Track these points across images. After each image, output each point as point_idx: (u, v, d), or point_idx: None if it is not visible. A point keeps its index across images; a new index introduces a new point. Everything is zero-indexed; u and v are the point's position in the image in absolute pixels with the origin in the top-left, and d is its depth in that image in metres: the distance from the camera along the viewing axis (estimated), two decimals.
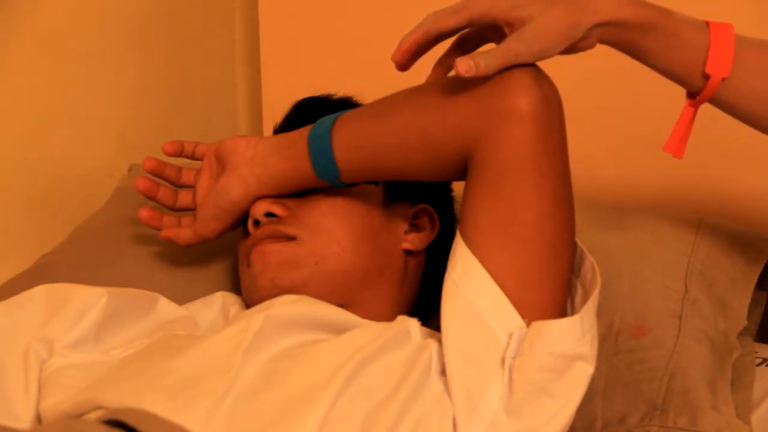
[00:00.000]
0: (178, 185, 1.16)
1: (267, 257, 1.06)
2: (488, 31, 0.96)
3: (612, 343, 1.08)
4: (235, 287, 1.16)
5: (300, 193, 1.08)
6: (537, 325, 0.91)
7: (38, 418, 0.94)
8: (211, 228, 1.11)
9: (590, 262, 0.97)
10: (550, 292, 0.95)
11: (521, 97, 0.94)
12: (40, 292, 1.02)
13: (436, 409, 0.90)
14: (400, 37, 0.98)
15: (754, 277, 1.17)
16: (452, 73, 0.96)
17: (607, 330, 1.09)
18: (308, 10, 1.60)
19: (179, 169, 1.15)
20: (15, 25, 1.30)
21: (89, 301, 1.00)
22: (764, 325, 1.23)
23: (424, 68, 1.02)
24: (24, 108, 1.33)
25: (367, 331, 0.97)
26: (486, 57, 0.92)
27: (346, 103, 1.15)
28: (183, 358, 0.92)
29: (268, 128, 1.40)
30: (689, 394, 1.03)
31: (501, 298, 0.93)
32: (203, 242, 1.13)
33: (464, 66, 0.91)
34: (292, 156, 1.05)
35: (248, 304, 1.10)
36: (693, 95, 0.98)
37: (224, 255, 1.22)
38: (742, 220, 1.28)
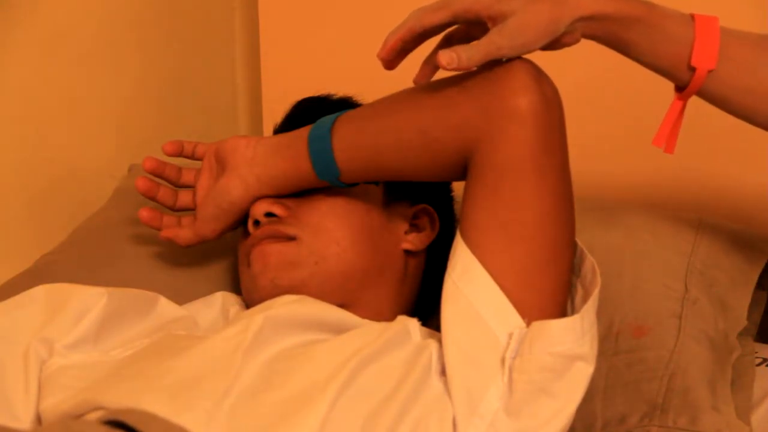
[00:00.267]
0: (178, 185, 1.16)
1: (267, 257, 1.06)
2: (474, 28, 0.96)
3: (612, 343, 1.08)
4: (235, 287, 1.16)
5: (300, 193, 1.08)
6: (537, 325, 0.91)
7: (38, 419, 0.94)
8: (211, 228, 1.11)
9: (590, 262, 0.97)
10: (550, 292, 0.95)
11: (521, 97, 0.94)
12: (40, 292, 1.02)
13: (436, 409, 0.90)
14: None
15: (754, 277, 1.17)
16: (448, 73, 0.96)
17: (607, 330, 1.09)
18: (308, 10, 1.60)
19: (179, 169, 1.15)
20: (15, 25, 1.30)
21: (89, 301, 1.00)
22: (764, 325, 1.23)
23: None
24: (24, 108, 1.33)
25: (367, 332, 0.97)
26: (468, 50, 0.92)
27: (346, 103, 1.15)
28: (183, 358, 0.92)
29: (268, 128, 1.40)
30: (689, 394, 1.03)
31: (501, 298, 0.93)
32: (203, 242, 1.13)
33: (446, 58, 0.91)
34: (292, 156, 1.05)
35: (248, 304, 1.10)
36: (681, 89, 0.98)
37: (224, 255, 1.22)
38: (742, 220, 1.28)
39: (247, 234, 1.09)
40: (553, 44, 0.95)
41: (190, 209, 1.14)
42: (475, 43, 0.93)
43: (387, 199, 1.11)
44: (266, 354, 0.92)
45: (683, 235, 1.18)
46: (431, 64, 1.00)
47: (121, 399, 0.87)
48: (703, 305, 1.11)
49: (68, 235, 1.29)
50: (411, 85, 1.01)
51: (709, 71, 0.95)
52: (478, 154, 0.96)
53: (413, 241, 1.12)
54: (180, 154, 1.16)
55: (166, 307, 1.07)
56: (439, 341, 0.94)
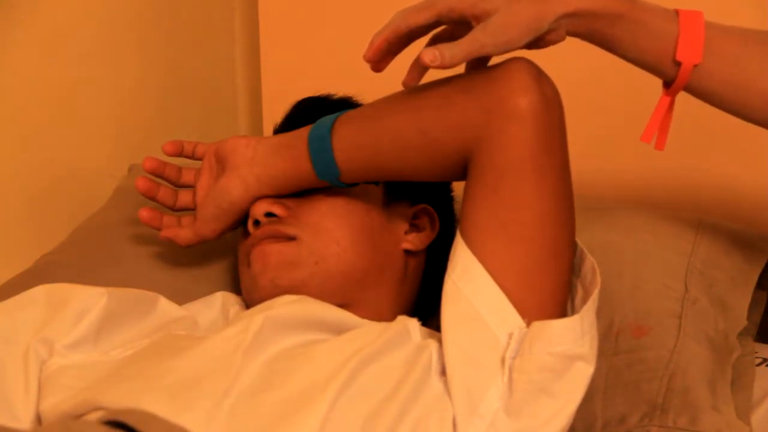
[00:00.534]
0: (178, 185, 1.16)
1: (267, 257, 1.06)
2: (460, 28, 0.96)
3: (612, 343, 1.08)
4: (235, 287, 1.16)
5: (300, 193, 1.08)
6: (537, 325, 0.91)
7: (38, 419, 0.94)
8: (211, 228, 1.11)
9: (590, 262, 0.97)
10: (550, 292, 0.95)
11: (521, 98, 0.94)
12: (40, 292, 1.02)
13: (436, 409, 0.90)
14: None
15: (754, 277, 1.17)
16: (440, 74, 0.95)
17: (607, 330, 1.09)
18: (308, 10, 1.60)
19: (179, 169, 1.15)
20: (15, 25, 1.30)
21: (89, 301, 1.00)
22: (764, 325, 1.23)
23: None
24: (24, 108, 1.33)
25: (367, 332, 0.97)
26: (451, 47, 0.92)
27: (346, 103, 1.15)
28: (183, 358, 0.92)
29: (268, 128, 1.40)
30: (689, 394, 1.03)
31: (501, 298, 0.93)
32: (203, 242, 1.13)
33: (429, 56, 0.92)
34: (292, 156, 1.05)
35: (248, 304, 1.10)
36: (668, 85, 0.98)
37: (224, 255, 1.22)
38: (742, 220, 1.28)
39: (247, 234, 1.09)
40: (538, 42, 0.95)
41: (190, 209, 1.14)
42: (459, 41, 0.93)
43: (387, 199, 1.11)
44: (266, 354, 0.92)
45: (683, 235, 1.18)
46: (419, 65, 1.00)
47: (121, 399, 0.87)
48: (703, 305, 1.11)
49: (68, 235, 1.29)
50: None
51: (695, 66, 0.95)
52: (478, 154, 0.96)
53: (413, 241, 1.12)
54: (180, 154, 1.16)
55: (166, 307, 1.07)
56: (439, 341, 0.94)
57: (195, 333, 1.04)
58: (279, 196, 1.08)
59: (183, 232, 1.13)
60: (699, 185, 1.37)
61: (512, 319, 0.92)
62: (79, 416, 0.89)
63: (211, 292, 1.14)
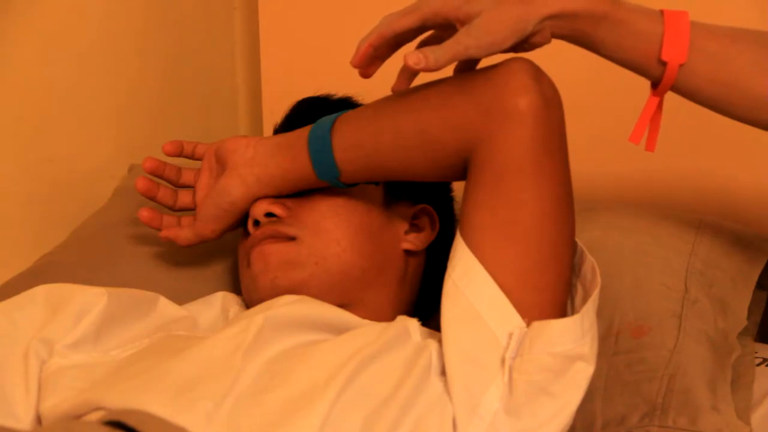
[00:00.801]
0: (178, 185, 1.16)
1: (267, 258, 1.06)
2: (447, 33, 0.96)
3: (612, 343, 1.08)
4: (235, 287, 1.16)
5: (300, 193, 1.08)
6: (537, 325, 0.91)
7: (38, 419, 0.93)
8: (211, 228, 1.11)
9: (590, 262, 0.97)
10: (550, 292, 0.95)
11: (521, 98, 0.94)
12: (40, 292, 1.02)
13: (436, 409, 0.90)
14: None
15: (754, 277, 1.17)
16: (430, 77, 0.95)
17: (607, 330, 1.09)
18: (308, 10, 1.60)
19: (179, 169, 1.15)
20: (14, 25, 1.30)
21: (89, 301, 1.00)
22: (764, 325, 1.23)
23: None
24: (24, 108, 1.33)
25: (367, 332, 0.97)
26: (435, 50, 0.92)
27: (346, 103, 1.15)
28: (183, 358, 0.92)
29: (268, 128, 1.40)
30: (689, 394, 1.03)
31: (501, 298, 0.93)
32: (203, 242, 1.13)
33: (413, 59, 0.92)
34: (292, 156, 1.05)
35: (248, 305, 1.10)
36: (656, 85, 0.98)
37: (224, 255, 1.22)
38: (742, 220, 1.28)
39: (247, 234, 1.09)
40: (523, 45, 0.95)
41: (190, 209, 1.14)
42: (443, 43, 0.93)
43: (387, 199, 1.11)
44: (266, 354, 0.92)
45: (683, 235, 1.18)
46: (408, 72, 1.00)
47: (122, 399, 0.87)
48: (703, 305, 1.11)
49: (68, 235, 1.29)
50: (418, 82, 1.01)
51: (681, 65, 0.95)
52: (478, 154, 0.96)
53: (413, 241, 1.12)
54: (180, 154, 1.16)
55: (166, 308, 1.07)
56: (439, 341, 0.94)
57: (195, 333, 1.05)
58: (279, 197, 1.08)
59: (183, 232, 1.13)
60: (699, 186, 1.37)
61: (512, 319, 0.92)
62: (79, 416, 0.89)
63: (211, 292, 1.14)
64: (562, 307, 0.97)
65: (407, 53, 0.92)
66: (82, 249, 1.25)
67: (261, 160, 1.07)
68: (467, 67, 1.01)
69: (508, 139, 0.94)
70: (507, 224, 0.95)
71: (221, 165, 1.10)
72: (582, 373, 0.91)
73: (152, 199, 1.15)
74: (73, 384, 0.93)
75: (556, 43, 0.97)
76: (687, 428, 1.01)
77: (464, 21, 0.93)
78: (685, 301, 1.11)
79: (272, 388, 0.88)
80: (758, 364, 1.14)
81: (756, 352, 1.16)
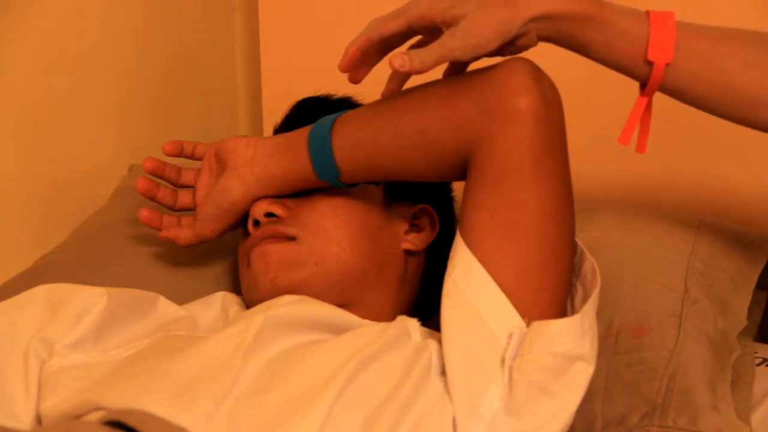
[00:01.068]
0: (178, 185, 1.16)
1: (267, 257, 1.06)
2: (434, 37, 0.96)
3: (612, 343, 1.08)
4: (235, 287, 1.16)
5: (300, 193, 1.08)
6: (537, 325, 0.91)
7: (38, 419, 0.93)
8: (211, 228, 1.11)
9: (590, 262, 0.97)
10: (550, 292, 0.95)
11: (521, 97, 0.94)
12: (40, 292, 1.02)
13: (436, 409, 0.90)
14: None
15: (754, 277, 1.17)
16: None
17: (607, 330, 1.09)
18: (308, 10, 1.60)
19: (179, 169, 1.15)
20: (14, 25, 1.30)
21: (89, 301, 1.00)
22: (764, 325, 1.23)
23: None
24: (24, 108, 1.33)
25: (367, 332, 0.97)
26: (421, 52, 0.93)
27: (346, 103, 1.15)
28: (183, 358, 0.92)
29: (268, 128, 1.40)
30: (689, 394, 1.03)
31: (501, 298, 0.93)
32: (203, 242, 1.13)
33: (398, 61, 0.92)
34: (292, 156, 1.05)
35: (248, 305, 1.10)
36: (644, 86, 0.98)
37: (224, 255, 1.22)
38: (742, 220, 1.28)
39: (247, 234, 1.09)
40: (509, 47, 0.96)
41: (190, 209, 1.14)
42: (428, 46, 0.94)
43: (387, 199, 1.11)
44: (267, 354, 0.92)
45: (683, 235, 1.18)
46: (397, 78, 1.01)
47: (122, 399, 0.87)
48: (703, 305, 1.11)
49: (68, 235, 1.29)
50: (411, 85, 1.01)
51: (668, 65, 0.95)
52: (478, 154, 0.96)
53: (413, 241, 1.12)
54: (180, 154, 1.16)
55: (166, 308, 1.07)
56: (439, 341, 0.94)
57: (195, 333, 1.05)
58: (279, 196, 1.08)
59: (183, 232, 1.13)
60: (699, 186, 1.37)
61: (512, 319, 0.92)
62: (79, 416, 0.89)
63: (211, 292, 1.14)
64: (562, 307, 0.97)
65: (392, 56, 0.93)
66: (82, 249, 1.25)
67: (261, 160, 1.07)
68: (456, 70, 1.01)
69: (508, 139, 0.94)
70: (507, 224, 0.95)
71: (221, 165, 1.10)
72: (582, 373, 0.91)
73: (152, 199, 1.15)
74: (73, 384, 0.93)
75: (529, 48, 0.97)
76: (687, 428, 1.01)
77: (450, 24, 0.93)
78: (685, 301, 1.11)
79: (272, 388, 0.88)
80: (758, 364, 1.14)
81: (756, 352, 1.16)
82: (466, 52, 0.93)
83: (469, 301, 0.93)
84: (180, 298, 1.10)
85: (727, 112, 0.98)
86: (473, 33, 0.92)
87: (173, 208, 1.16)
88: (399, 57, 0.92)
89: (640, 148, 1.00)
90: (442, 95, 0.98)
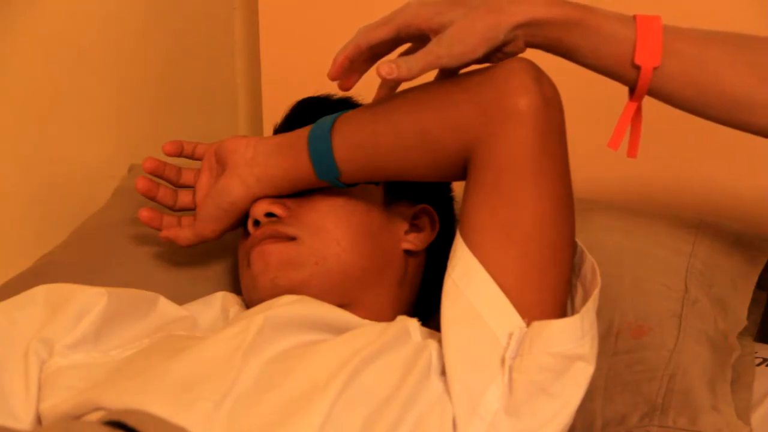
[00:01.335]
0: (178, 185, 1.16)
1: (267, 257, 1.06)
2: (423, 45, 0.96)
3: (612, 343, 1.08)
4: (235, 287, 1.16)
5: (300, 193, 1.08)
6: (537, 325, 0.91)
7: (38, 419, 0.93)
8: (211, 228, 1.11)
9: (590, 263, 0.97)
10: (550, 292, 0.95)
11: (521, 97, 0.94)
12: (40, 292, 1.02)
13: (436, 409, 0.90)
14: None
15: (754, 277, 1.17)
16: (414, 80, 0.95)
17: (607, 330, 1.09)
18: (308, 10, 1.60)
19: (179, 169, 1.15)
20: (14, 24, 1.30)
21: (89, 301, 1.00)
22: (764, 325, 1.23)
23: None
24: (24, 108, 1.33)
25: (367, 332, 0.97)
26: (408, 60, 0.93)
27: (346, 103, 1.15)
28: (183, 358, 0.92)
29: (268, 128, 1.40)
30: (689, 394, 1.03)
31: (501, 298, 0.93)
32: (203, 242, 1.13)
33: (385, 69, 0.92)
34: (292, 156, 1.05)
35: (248, 305, 1.10)
36: (633, 91, 0.98)
37: (224, 255, 1.22)
38: (742, 220, 1.28)
39: (247, 234, 1.09)
40: (497, 54, 0.96)
41: (190, 209, 1.14)
42: (415, 53, 0.94)
43: (387, 199, 1.11)
44: (267, 354, 0.92)
45: (683, 235, 1.18)
46: (386, 83, 1.01)
47: (122, 399, 0.87)
48: (703, 305, 1.11)
49: (68, 235, 1.29)
50: (412, 85, 1.01)
51: (655, 68, 0.95)
52: (478, 154, 0.96)
53: (413, 241, 1.12)
54: (180, 154, 1.16)
55: (166, 307, 1.07)
56: (439, 341, 0.94)
57: (195, 333, 1.05)
58: (279, 196, 1.08)
59: (183, 232, 1.13)
60: (699, 186, 1.37)
61: (512, 319, 0.92)
62: (79, 416, 0.89)
63: (211, 292, 1.14)
64: (562, 307, 0.97)
65: (380, 64, 0.93)
66: (82, 249, 1.25)
67: (261, 160, 1.07)
68: (445, 77, 1.01)
69: (508, 139, 0.94)
70: (507, 224, 0.95)
71: (221, 165, 1.10)
72: (582, 373, 0.91)
73: (152, 199, 1.15)
74: (73, 384, 0.93)
75: (517, 55, 0.97)
76: (687, 428, 1.01)
77: (437, 31, 0.94)
78: (685, 301, 1.11)
79: (272, 388, 0.88)
80: (758, 364, 1.14)
81: (756, 352, 1.16)
82: (453, 59, 0.94)
83: (469, 301, 0.93)
84: (180, 298, 1.10)
85: (716, 115, 0.98)
86: (460, 40, 0.93)
87: (173, 208, 1.16)
88: (386, 65, 0.92)
89: (631, 153, 1.00)
90: (442, 95, 0.98)
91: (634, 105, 0.98)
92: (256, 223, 1.08)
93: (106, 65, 1.44)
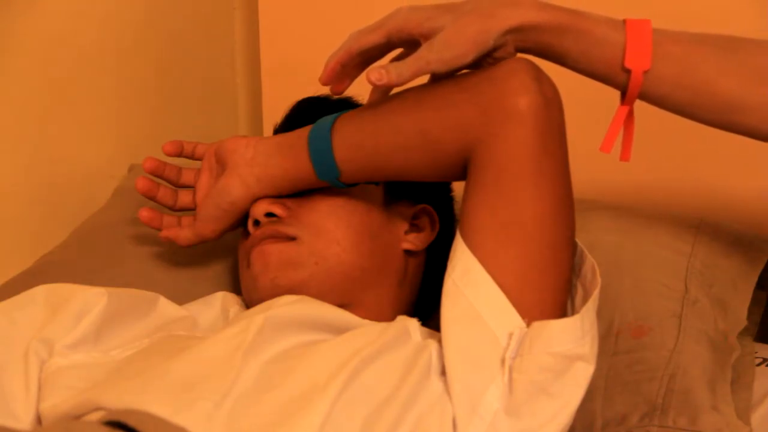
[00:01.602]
0: (178, 185, 1.16)
1: (267, 257, 1.06)
2: (414, 50, 0.96)
3: (612, 343, 1.08)
4: (235, 287, 1.16)
5: (300, 193, 1.08)
6: (537, 325, 0.91)
7: (38, 419, 0.93)
8: (211, 228, 1.11)
9: (590, 262, 0.97)
10: (550, 292, 0.95)
11: (521, 97, 0.94)
12: (40, 292, 1.02)
13: (436, 409, 0.90)
14: None
15: (754, 277, 1.17)
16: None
17: (607, 330, 1.09)
18: (308, 11, 1.60)
19: (179, 169, 1.15)
20: (14, 24, 1.30)
21: (89, 301, 1.00)
22: (764, 325, 1.23)
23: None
24: (24, 108, 1.33)
25: (367, 332, 0.97)
26: (398, 66, 0.94)
27: (346, 103, 1.15)
28: (183, 359, 0.92)
29: (268, 128, 1.40)
30: (689, 394, 1.03)
31: (501, 298, 0.93)
32: (203, 242, 1.13)
33: (375, 75, 0.93)
34: (292, 156, 1.05)
35: (248, 305, 1.10)
36: (624, 94, 0.98)
37: (224, 255, 1.22)
38: (742, 220, 1.28)
39: (247, 234, 1.09)
40: (487, 59, 0.96)
41: (190, 209, 1.15)
42: (405, 59, 0.94)
43: (387, 199, 1.11)
44: (267, 354, 0.92)
45: (683, 235, 1.18)
46: (378, 89, 1.01)
47: (122, 399, 0.87)
48: (703, 305, 1.11)
49: (68, 235, 1.29)
50: (411, 85, 1.01)
51: (645, 72, 0.95)
52: (478, 153, 0.96)
53: (413, 241, 1.12)
54: (180, 154, 1.16)
55: (166, 308, 1.07)
56: (439, 341, 0.94)
57: (195, 333, 1.05)
58: (279, 197, 1.08)
59: (183, 232, 1.13)
60: (699, 186, 1.37)
61: (512, 319, 0.92)
62: (79, 416, 0.89)
63: (211, 292, 1.14)
64: (563, 307, 0.97)
65: (369, 70, 0.94)
66: (82, 249, 1.25)
67: (261, 160, 1.07)
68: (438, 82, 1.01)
69: (508, 138, 0.94)
70: (507, 224, 0.95)
71: (221, 165, 1.10)
72: (582, 373, 0.91)
73: (152, 199, 1.15)
74: (73, 384, 0.93)
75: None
76: (687, 428, 1.01)
77: (427, 36, 0.94)
78: (685, 301, 1.11)
79: (272, 387, 0.88)
80: (758, 364, 1.14)
81: (756, 352, 1.16)
82: (444, 65, 0.94)
83: (469, 301, 0.93)
84: (180, 298, 1.10)
85: (708, 118, 0.99)
86: (450, 45, 0.93)
87: (173, 208, 1.16)
88: (376, 71, 0.93)
89: (624, 156, 1.00)
90: (443, 95, 0.98)
91: (625, 109, 0.98)
92: (256, 223, 1.08)
93: (106, 65, 1.45)
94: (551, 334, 0.91)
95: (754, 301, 1.17)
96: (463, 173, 0.99)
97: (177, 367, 0.91)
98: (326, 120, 1.04)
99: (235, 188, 1.08)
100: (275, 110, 1.21)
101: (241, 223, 1.11)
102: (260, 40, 1.62)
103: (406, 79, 0.94)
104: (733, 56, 0.96)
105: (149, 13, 1.54)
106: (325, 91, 1.18)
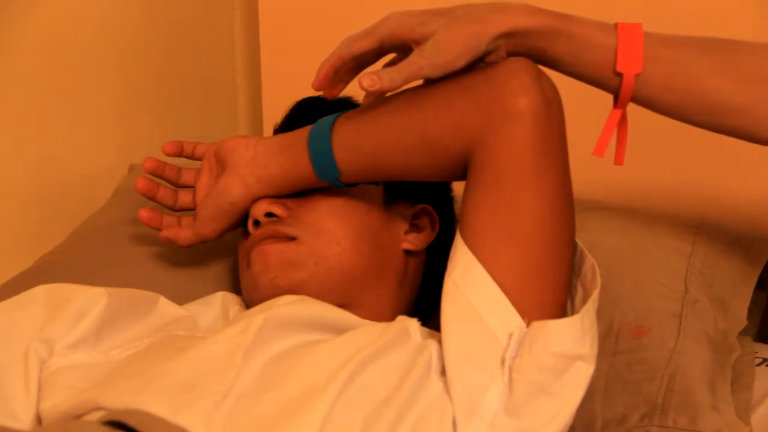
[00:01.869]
0: (178, 185, 1.16)
1: (267, 257, 1.06)
2: (407, 55, 0.96)
3: (612, 343, 1.08)
4: (235, 287, 1.16)
5: (300, 193, 1.08)
6: (537, 325, 0.91)
7: (38, 419, 0.93)
8: (211, 228, 1.11)
9: (590, 262, 0.97)
10: (550, 292, 0.95)
11: (521, 97, 0.94)
12: (40, 292, 1.02)
13: (436, 409, 0.90)
14: None
15: (754, 277, 1.17)
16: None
17: (607, 330, 1.09)
18: (308, 10, 1.60)
19: (179, 170, 1.15)
20: (14, 24, 1.30)
21: (89, 301, 1.00)
22: (764, 325, 1.23)
23: None
24: (24, 108, 1.33)
25: (367, 332, 0.97)
26: (390, 71, 0.94)
27: (346, 103, 1.15)
28: (183, 358, 0.92)
29: (268, 128, 1.40)
30: (689, 394, 1.03)
31: (501, 298, 0.93)
32: (203, 242, 1.13)
33: (367, 81, 0.93)
34: (292, 156, 1.05)
35: (248, 305, 1.10)
36: (617, 98, 0.99)
37: (224, 255, 1.22)
38: (742, 220, 1.28)
39: (247, 234, 1.09)
40: (479, 64, 0.96)
41: (190, 209, 1.14)
42: (397, 64, 0.94)
43: (387, 199, 1.11)
44: (267, 354, 0.92)
45: (683, 235, 1.18)
46: (371, 95, 1.01)
47: (122, 399, 0.87)
48: (703, 305, 1.11)
49: (68, 235, 1.29)
50: (411, 85, 1.01)
51: (637, 75, 0.95)
52: (478, 154, 0.96)
53: (413, 241, 1.12)
54: (180, 154, 1.16)
55: (166, 308, 1.07)
56: (439, 341, 0.94)
57: (195, 333, 1.05)
58: (279, 196, 1.08)
59: (183, 232, 1.13)
60: (699, 186, 1.37)
61: (512, 319, 0.92)
62: (79, 416, 0.89)
63: (211, 292, 1.14)
64: (562, 307, 0.97)
65: (361, 76, 0.94)
66: (82, 249, 1.25)
67: (261, 160, 1.07)
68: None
69: (508, 138, 0.94)
70: (507, 224, 0.95)
71: (221, 165, 1.10)
72: (582, 373, 0.91)
73: (152, 199, 1.15)
74: (73, 384, 0.93)
75: None
76: (687, 428, 1.01)
77: (419, 41, 0.94)
78: (685, 301, 1.11)
79: (272, 387, 0.88)
80: (758, 364, 1.14)
81: (756, 352, 1.16)
82: (436, 70, 0.94)
83: (469, 301, 0.93)
84: (180, 298, 1.10)
85: (700, 120, 0.99)
86: (442, 50, 0.93)
87: (173, 208, 1.16)
88: (368, 77, 0.93)
89: (618, 160, 1.01)
90: (442, 95, 0.98)
91: (618, 112, 0.98)
92: (256, 223, 1.08)
93: (106, 65, 1.45)
94: (551, 334, 0.91)
95: (754, 301, 1.17)
96: (463, 173, 0.99)
97: (177, 367, 0.91)
98: (326, 120, 1.04)
99: (235, 188, 1.08)
100: (275, 110, 1.20)
101: (241, 223, 1.11)
102: (260, 41, 1.62)
103: (398, 85, 0.94)
104: (723, 58, 0.96)
105: (149, 13, 1.54)
106: None
